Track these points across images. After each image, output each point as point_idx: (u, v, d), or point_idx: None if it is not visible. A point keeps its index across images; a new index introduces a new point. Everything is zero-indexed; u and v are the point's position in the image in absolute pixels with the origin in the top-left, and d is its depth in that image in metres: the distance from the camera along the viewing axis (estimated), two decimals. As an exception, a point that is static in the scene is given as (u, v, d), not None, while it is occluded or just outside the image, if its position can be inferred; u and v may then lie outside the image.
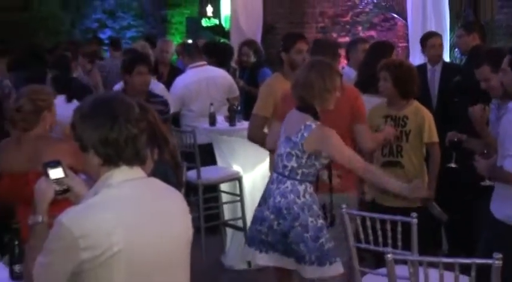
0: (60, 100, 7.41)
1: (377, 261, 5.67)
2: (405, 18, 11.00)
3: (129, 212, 3.20)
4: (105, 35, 18.95)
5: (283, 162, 5.74)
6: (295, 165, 5.65)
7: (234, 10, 13.83)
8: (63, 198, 3.59)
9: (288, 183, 5.69)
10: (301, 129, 5.63)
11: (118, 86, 9.07)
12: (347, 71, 8.63)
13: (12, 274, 4.57)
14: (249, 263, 8.09)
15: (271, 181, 5.87)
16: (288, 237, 5.62)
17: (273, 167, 6.00)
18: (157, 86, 8.76)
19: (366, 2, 14.11)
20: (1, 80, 9.35)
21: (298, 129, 5.66)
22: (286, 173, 5.70)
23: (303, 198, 5.67)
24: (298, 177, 5.66)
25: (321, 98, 5.73)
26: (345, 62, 10.03)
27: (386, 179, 5.83)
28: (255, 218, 5.94)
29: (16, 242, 4.55)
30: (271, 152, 7.00)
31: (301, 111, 5.76)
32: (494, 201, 5.56)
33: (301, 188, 5.66)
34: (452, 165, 6.59)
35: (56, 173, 3.60)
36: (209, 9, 16.96)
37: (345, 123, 6.20)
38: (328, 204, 5.97)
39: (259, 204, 5.96)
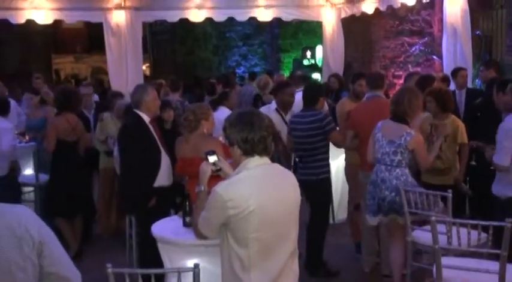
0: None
1: (422, 222, 5.51)
2: (441, 58, 10.68)
3: (260, 185, 3.31)
4: (240, 70, 18.95)
5: (390, 157, 5.69)
6: (400, 158, 5.65)
7: (324, 54, 13.64)
8: (217, 175, 3.65)
9: (398, 170, 5.65)
10: (404, 135, 5.61)
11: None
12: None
13: (184, 223, 4.74)
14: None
15: (379, 171, 5.75)
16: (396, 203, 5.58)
17: (374, 161, 5.89)
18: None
19: (414, 48, 13.78)
20: (181, 102, 9.39)
21: (401, 135, 5.64)
22: (395, 164, 5.68)
23: (409, 177, 5.66)
24: (403, 165, 5.66)
25: (411, 114, 5.70)
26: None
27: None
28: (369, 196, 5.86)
29: (187, 203, 4.63)
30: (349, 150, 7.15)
31: (396, 122, 5.72)
32: (494, 182, 5.63)
33: (406, 171, 5.68)
34: (473, 162, 6.86)
35: (212, 158, 3.74)
36: (308, 54, 16.87)
37: None
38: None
39: (369, 192, 5.88)
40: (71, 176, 7.21)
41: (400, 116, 5.71)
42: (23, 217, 2.41)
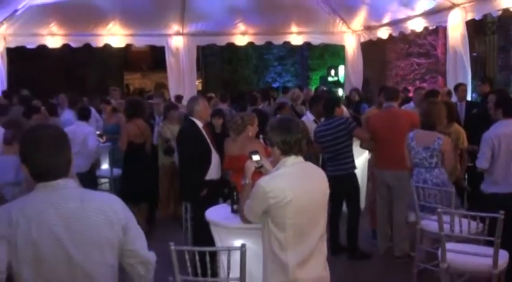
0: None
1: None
2: (444, 76, 10.61)
3: (295, 179, 3.26)
4: (275, 85, 18.96)
5: (428, 160, 5.63)
6: (436, 160, 5.60)
7: (346, 72, 13.59)
8: (259, 171, 3.60)
9: (437, 170, 5.60)
10: (436, 140, 5.58)
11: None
12: (412, 105, 8.36)
13: (232, 210, 4.72)
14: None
15: (419, 173, 5.68)
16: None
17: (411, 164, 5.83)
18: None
19: (421, 67, 13.66)
20: (230, 110, 9.56)
21: (433, 140, 5.60)
22: (433, 165, 5.62)
23: (445, 175, 5.62)
24: (439, 165, 5.61)
25: (439, 122, 5.73)
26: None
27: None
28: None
29: (234, 193, 4.62)
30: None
31: (427, 130, 5.69)
32: (483, 181, 5.68)
33: (442, 170, 5.62)
34: (470, 164, 6.55)
35: (255, 157, 3.68)
36: (332, 72, 16.87)
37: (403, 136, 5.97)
38: None
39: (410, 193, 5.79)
40: (139, 170, 7.32)
41: (430, 125, 5.68)
42: (112, 202, 2.45)
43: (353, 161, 6.54)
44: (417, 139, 5.74)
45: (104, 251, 2.35)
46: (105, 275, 2.38)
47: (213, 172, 5.95)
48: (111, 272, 2.41)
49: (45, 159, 2.29)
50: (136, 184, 7.20)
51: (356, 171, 6.66)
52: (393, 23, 11.42)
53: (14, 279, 2.22)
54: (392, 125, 6.35)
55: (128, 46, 13.37)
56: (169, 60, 12.15)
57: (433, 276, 5.14)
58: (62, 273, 2.26)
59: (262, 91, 13.85)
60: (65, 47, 11.95)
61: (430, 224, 5.30)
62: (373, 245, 6.76)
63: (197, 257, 3.46)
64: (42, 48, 11.91)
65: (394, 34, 11.59)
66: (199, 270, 3.53)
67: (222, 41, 12.81)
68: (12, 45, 11.59)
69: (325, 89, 13.93)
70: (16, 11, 10.77)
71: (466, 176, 6.95)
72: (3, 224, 2.20)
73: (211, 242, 4.57)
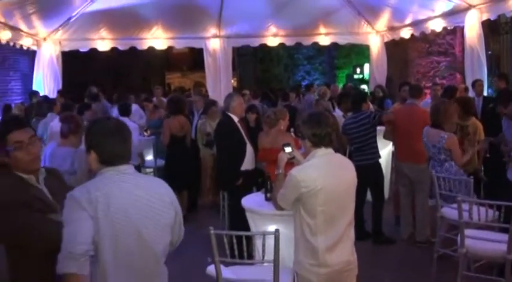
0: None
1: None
2: (462, 73, 10.41)
3: (325, 169, 3.25)
4: (304, 83, 18.86)
5: (437, 156, 5.59)
6: (444, 156, 5.54)
7: (371, 70, 13.46)
8: (291, 162, 3.59)
9: (446, 164, 5.54)
10: (441, 138, 5.50)
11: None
12: (429, 101, 8.27)
13: (266, 197, 4.71)
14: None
15: (433, 166, 5.66)
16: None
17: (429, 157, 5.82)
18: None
19: (441, 65, 13.41)
20: (261, 105, 9.55)
21: (440, 139, 5.52)
22: (442, 160, 5.56)
23: (456, 168, 5.51)
24: (449, 159, 5.52)
25: (446, 121, 5.60)
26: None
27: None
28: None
29: (268, 182, 4.65)
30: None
31: (435, 128, 5.62)
32: (508, 170, 5.49)
33: (452, 163, 5.52)
34: (487, 155, 6.43)
35: (288, 149, 3.67)
36: (358, 70, 16.75)
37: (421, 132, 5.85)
38: None
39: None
40: (180, 161, 7.40)
41: (437, 124, 5.62)
42: (166, 185, 2.55)
43: (377, 151, 6.50)
44: (428, 136, 5.72)
45: (164, 230, 2.45)
46: (164, 251, 2.48)
47: (248, 163, 5.97)
48: (167, 249, 2.51)
49: (116, 146, 2.39)
50: (178, 173, 7.28)
51: (380, 161, 6.61)
52: (415, 24, 11.28)
53: (96, 252, 2.27)
54: (411, 120, 6.30)
55: (170, 48, 13.43)
56: (207, 60, 12.21)
57: (451, 260, 5.06)
58: (133, 250, 2.33)
59: (293, 88, 13.84)
60: (113, 50, 12.11)
61: (449, 211, 5.27)
62: (396, 231, 6.71)
63: (234, 241, 3.47)
64: (93, 51, 12.08)
65: (415, 34, 11.45)
66: (236, 253, 3.56)
67: (255, 43, 12.80)
68: (67, 49, 11.80)
69: (352, 86, 13.86)
70: (70, 18, 10.94)
71: (482, 167, 6.83)
72: (85, 200, 2.25)
73: (245, 227, 4.59)
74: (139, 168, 8.09)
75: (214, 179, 7.88)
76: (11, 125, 2.73)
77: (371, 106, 8.10)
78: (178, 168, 7.36)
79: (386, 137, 6.91)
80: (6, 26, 9.04)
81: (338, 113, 7.84)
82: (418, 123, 6.11)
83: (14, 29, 9.54)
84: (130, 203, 2.33)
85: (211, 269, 3.59)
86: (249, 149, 5.99)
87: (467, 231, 4.59)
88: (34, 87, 11.37)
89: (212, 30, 11.98)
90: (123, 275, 2.33)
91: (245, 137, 5.98)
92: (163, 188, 2.52)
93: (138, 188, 2.38)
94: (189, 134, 7.71)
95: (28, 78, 13.49)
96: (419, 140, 5.89)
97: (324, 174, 3.19)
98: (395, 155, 6.91)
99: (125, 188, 2.35)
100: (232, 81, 15.93)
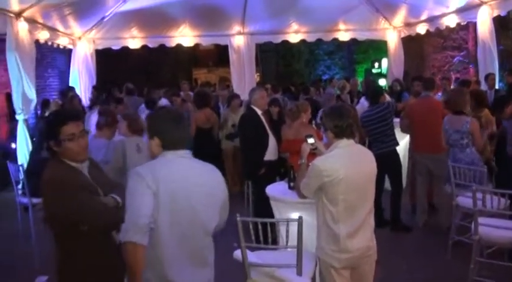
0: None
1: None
2: (474, 67, 10.31)
3: (347, 160, 3.24)
4: (324, 77, 18.76)
5: (459, 142, 5.58)
6: (467, 141, 5.55)
7: (389, 64, 13.30)
8: (313, 152, 3.59)
9: (468, 149, 5.56)
10: (464, 123, 5.53)
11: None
12: (439, 94, 8.24)
13: (289, 186, 4.71)
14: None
15: (454, 153, 5.64)
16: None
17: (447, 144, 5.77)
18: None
19: (455, 59, 13.25)
20: (283, 98, 9.48)
21: (462, 124, 5.54)
22: (464, 145, 5.56)
23: (477, 155, 5.56)
24: (470, 146, 5.55)
25: (465, 107, 5.66)
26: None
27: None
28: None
29: (291, 172, 4.65)
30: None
31: (457, 115, 5.63)
32: None
33: (473, 150, 5.56)
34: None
35: (310, 140, 3.65)
36: (376, 64, 16.58)
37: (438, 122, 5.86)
38: None
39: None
40: (206, 151, 7.35)
41: (459, 110, 5.62)
42: (219, 173, 2.72)
43: (395, 139, 6.43)
44: (450, 123, 5.69)
45: (215, 210, 2.60)
46: (213, 229, 2.61)
47: (271, 154, 5.99)
48: (214, 227, 2.63)
49: (177, 133, 2.53)
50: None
51: (398, 151, 6.56)
52: (430, 20, 11.12)
53: (154, 225, 2.39)
54: (428, 112, 6.24)
55: (196, 45, 13.45)
56: (232, 56, 12.20)
57: (465, 247, 5.04)
58: (187, 225, 2.46)
59: (314, 83, 13.77)
60: (144, 47, 12.19)
61: (464, 200, 5.26)
62: (412, 219, 6.68)
63: (259, 227, 3.49)
64: (125, 49, 12.18)
65: (431, 29, 11.29)
66: (261, 238, 3.58)
67: (277, 39, 12.72)
68: (100, 47, 11.92)
69: (372, 79, 13.79)
70: (103, 18, 11.03)
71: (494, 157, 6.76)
72: (149, 178, 2.39)
73: (268, 214, 4.60)
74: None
75: (235, 169, 7.93)
76: (67, 117, 2.81)
77: (388, 98, 8.02)
78: (204, 158, 7.35)
79: (403, 130, 6.87)
80: (45, 26, 9.18)
81: (363, 103, 7.75)
82: (435, 113, 6.07)
83: (52, 29, 9.67)
84: (187, 183, 2.46)
85: (237, 254, 3.62)
86: (272, 140, 5.99)
87: (481, 219, 4.55)
88: (70, 84, 11.55)
89: (236, 28, 11.96)
90: (175, 246, 2.45)
91: (268, 129, 5.98)
92: (216, 173, 2.67)
93: (194, 170, 2.55)
94: (216, 126, 7.74)
95: (65, 75, 13.69)
96: (437, 130, 5.85)
97: (346, 164, 3.18)
98: (412, 146, 6.85)
99: (183, 169, 2.49)
100: (256, 76, 15.94)
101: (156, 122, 2.57)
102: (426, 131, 6.24)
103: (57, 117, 2.95)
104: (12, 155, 8.05)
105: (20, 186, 5.74)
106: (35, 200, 5.70)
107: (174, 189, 2.42)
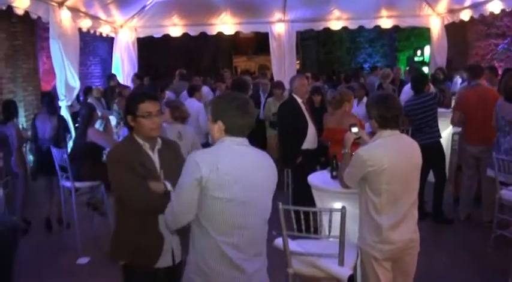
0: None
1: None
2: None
3: (391, 150, 3.15)
4: (366, 65, 18.48)
5: (504, 128, 5.47)
6: (508, 129, 5.42)
7: (431, 52, 12.93)
8: (357, 142, 3.51)
9: (508, 137, 5.43)
10: (510, 112, 5.38)
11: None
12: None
13: (331, 176, 4.62)
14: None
15: (499, 136, 5.55)
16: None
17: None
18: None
19: (499, 48, 12.85)
20: (322, 86, 9.35)
21: (509, 112, 5.41)
22: (507, 132, 5.44)
23: None
24: None
25: None
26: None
27: None
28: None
29: (334, 161, 4.58)
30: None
31: (508, 101, 5.47)
32: None
33: None
34: None
35: (354, 129, 3.59)
36: (418, 52, 16.28)
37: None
38: None
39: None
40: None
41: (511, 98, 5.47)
42: (272, 160, 2.64)
43: (438, 131, 6.27)
44: (500, 107, 5.55)
45: (270, 195, 2.58)
46: (268, 214, 2.59)
47: (309, 142, 5.95)
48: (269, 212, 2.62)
49: (244, 119, 2.47)
50: None
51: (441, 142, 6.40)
52: (474, 6, 10.70)
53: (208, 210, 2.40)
54: (481, 101, 6.02)
55: (236, 33, 13.39)
56: (273, 44, 12.09)
57: (508, 241, 4.95)
58: (240, 210, 2.41)
59: (355, 71, 13.59)
60: (185, 35, 12.24)
61: (507, 193, 5.15)
62: (453, 211, 6.53)
63: (302, 216, 3.45)
64: (166, 37, 12.27)
65: (475, 16, 10.91)
66: (303, 227, 3.54)
67: (319, 26, 12.52)
68: (142, 35, 12.04)
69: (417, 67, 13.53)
70: (145, 6, 11.14)
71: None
72: (206, 170, 2.34)
73: (307, 202, 4.50)
74: (208, 146, 8.16)
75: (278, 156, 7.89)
76: (145, 96, 2.96)
77: (432, 88, 7.82)
78: None
79: (455, 123, 6.63)
80: (87, 15, 9.33)
81: (408, 92, 7.59)
82: (489, 102, 5.86)
83: (94, 17, 9.82)
84: (243, 170, 2.42)
85: (278, 242, 3.60)
86: (311, 129, 5.92)
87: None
88: (113, 71, 11.75)
89: (277, 15, 11.85)
90: (231, 235, 2.41)
91: (307, 117, 5.93)
92: (270, 160, 2.62)
93: (249, 157, 2.49)
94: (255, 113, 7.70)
95: (106, 62, 13.95)
96: (490, 119, 5.70)
97: (390, 154, 3.10)
98: (463, 137, 6.59)
99: (239, 156, 2.45)
100: (296, 64, 15.86)
101: (221, 106, 2.50)
102: (482, 122, 5.99)
103: (137, 95, 3.16)
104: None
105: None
106: (78, 185, 5.83)
107: (229, 176, 2.36)
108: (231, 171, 2.37)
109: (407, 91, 8.02)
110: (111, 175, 2.87)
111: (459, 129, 6.79)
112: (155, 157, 2.96)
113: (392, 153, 3.12)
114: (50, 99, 6.73)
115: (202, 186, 2.35)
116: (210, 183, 2.34)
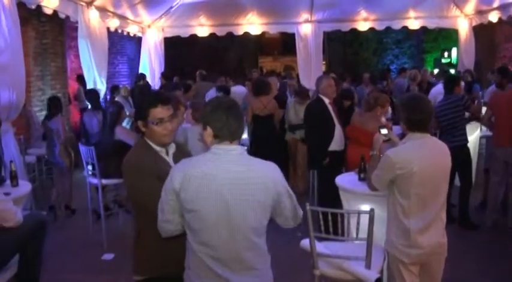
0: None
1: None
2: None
3: (421, 152, 3.10)
4: (392, 67, 18.31)
5: None
6: None
7: (459, 54, 12.77)
8: (385, 143, 3.46)
9: None
10: None
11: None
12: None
13: (359, 178, 4.51)
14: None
15: None
16: None
17: None
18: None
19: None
20: (349, 86, 9.31)
21: None
22: None
23: None
24: None
25: None
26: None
27: None
28: None
29: (362, 163, 4.48)
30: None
31: None
32: None
33: None
34: None
35: (384, 130, 3.55)
36: (446, 54, 16.06)
37: None
38: None
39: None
40: (264, 139, 7.15)
41: None
42: (271, 171, 2.42)
43: (465, 134, 6.19)
44: None
45: (256, 212, 2.32)
46: (257, 230, 2.35)
47: (336, 144, 5.90)
48: (261, 228, 2.38)
49: (230, 122, 2.33)
50: (260, 152, 7.06)
51: (468, 146, 6.30)
52: (502, 7, 10.51)
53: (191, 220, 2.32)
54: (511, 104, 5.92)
55: (262, 33, 13.42)
56: (299, 45, 12.04)
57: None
58: (221, 226, 2.28)
59: (382, 72, 13.46)
60: (211, 35, 12.32)
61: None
62: (480, 217, 6.39)
63: (330, 218, 3.41)
64: (193, 37, 12.36)
65: (503, 17, 10.70)
66: (330, 229, 3.50)
67: (346, 27, 12.46)
68: (169, 35, 12.20)
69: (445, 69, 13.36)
70: (171, 7, 11.27)
71: None
72: (178, 180, 2.29)
73: (332, 204, 4.43)
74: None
75: (302, 159, 7.79)
76: (157, 100, 2.77)
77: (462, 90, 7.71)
78: (261, 146, 7.04)
79: (484, 123, 6.59)
80: (115, 15, 9.45)
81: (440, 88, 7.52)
82: None
83: (122, 17, 9.96)
84: (228, 185, 2.27)
85: (305, 243, 3.58)
86: (338, 130, 5.87)
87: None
88: (140, 70, 11.87)
89: (304, 15, 11.81)
90: (212, 248, 2.31)
91: (335, 119, 5.88)
92: (266, 172, 2.39)
93: (238, 166, 2.32)
94: (277, 113, 7.53)
95: (133, 62, 14.09)
96: None
97: (419, 156, 3.05)
98: (493, 141, 6.41)
99: (224, 166, 2.31)
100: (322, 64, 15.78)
101: (207, 111, 2.41)
102: (509, 124, 5.88)
103: (148, 98, 2.87)
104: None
105: (90, 167, 5.99)
106: (105, 181, 5.91)
107: (209, 191, 2.26)
108: (205, 184, 2.27)
109: (434, 93, 7.91)
110: (129, 184, 2.74)
111: (487, 132, 6.66)
112: (171, 162, 2.82)
113: (422, 156, 3.07)
114: (94, 96, 7.29)
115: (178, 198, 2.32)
116: (183, 195, 2.30)
